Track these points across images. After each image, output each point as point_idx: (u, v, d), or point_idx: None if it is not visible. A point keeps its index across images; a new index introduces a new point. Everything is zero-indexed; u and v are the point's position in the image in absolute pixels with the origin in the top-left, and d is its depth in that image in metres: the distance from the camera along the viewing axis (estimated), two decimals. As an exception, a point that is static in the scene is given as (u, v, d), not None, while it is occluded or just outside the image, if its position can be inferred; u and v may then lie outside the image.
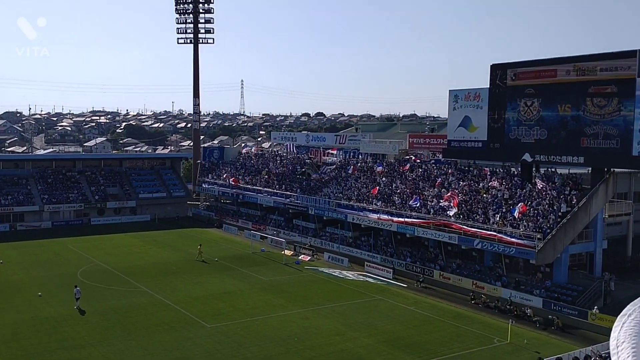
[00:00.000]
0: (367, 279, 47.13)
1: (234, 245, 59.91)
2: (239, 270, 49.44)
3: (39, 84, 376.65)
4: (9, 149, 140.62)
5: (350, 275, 48.23)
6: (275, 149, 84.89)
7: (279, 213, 67.54)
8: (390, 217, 50.25)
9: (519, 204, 41.86)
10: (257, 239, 60.11)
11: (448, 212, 45.97)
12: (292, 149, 76.12)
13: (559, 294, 38.65)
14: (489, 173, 49.47)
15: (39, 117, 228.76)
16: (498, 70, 46.13)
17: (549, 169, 45.94)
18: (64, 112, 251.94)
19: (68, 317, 35.79)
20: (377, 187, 54.95)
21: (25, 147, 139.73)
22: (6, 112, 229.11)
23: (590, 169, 42.29)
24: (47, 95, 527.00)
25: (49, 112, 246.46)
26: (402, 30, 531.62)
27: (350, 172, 61.63)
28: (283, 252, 54.79)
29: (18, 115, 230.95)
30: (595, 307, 36.25)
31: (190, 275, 47.34)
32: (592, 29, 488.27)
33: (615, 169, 41.64)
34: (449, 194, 47.84)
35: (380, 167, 58.42)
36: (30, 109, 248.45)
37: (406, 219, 48.40)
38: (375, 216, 51.89)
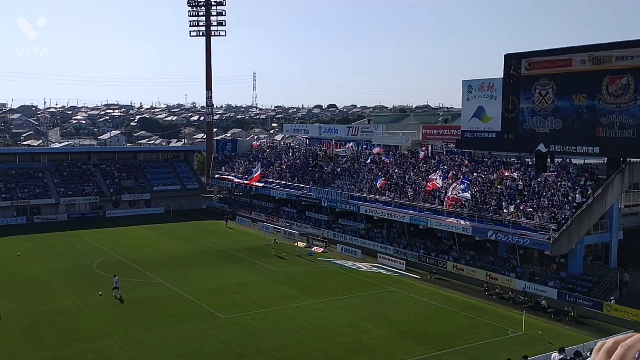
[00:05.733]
0: (380, 270, 47.15)
1: (247, 237, 60.16)
2: (252, 261, 49.69)
3: (53, 77, 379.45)
4: (24, 143, 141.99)
5: (363, 267, 48.28)
6: (287, 141, 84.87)
7: (292, 205, 67.63)
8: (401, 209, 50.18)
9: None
10: (270, 231, 60.32)
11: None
12: (304, 141, 76.00)
13: (573, 285, 38.42)
14: (501, 164, 49.09)
15: (54, 110, 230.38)
16: (512, 60, 45.74)
17: (564, 160, 45.53)
18: (79, 106, 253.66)
19: (84, 309, 36.23)
20: (385, 179, 54.74)
21: (40, 141, 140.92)
22: (22, 105, 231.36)
23: (605, 159, 41.88)
24: (61, 88, 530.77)
25: (64, 106, 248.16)
26: (415, 21, 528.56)
27: (362, 165, 61.53)
28: (296, 244, 54.95)
29: (33, 108, 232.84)
30: (612, 297, 36.03)
31: (205, 267, 47.67)
32: (607, 18, 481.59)
33: (631, 159, 41.20)
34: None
35: (387, 159, 58.29)
36: (45, 102, 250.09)
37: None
38: (387, 208, 51.79)
